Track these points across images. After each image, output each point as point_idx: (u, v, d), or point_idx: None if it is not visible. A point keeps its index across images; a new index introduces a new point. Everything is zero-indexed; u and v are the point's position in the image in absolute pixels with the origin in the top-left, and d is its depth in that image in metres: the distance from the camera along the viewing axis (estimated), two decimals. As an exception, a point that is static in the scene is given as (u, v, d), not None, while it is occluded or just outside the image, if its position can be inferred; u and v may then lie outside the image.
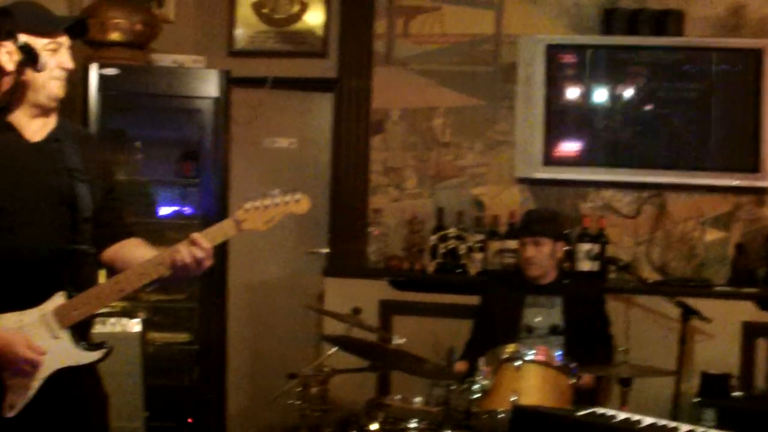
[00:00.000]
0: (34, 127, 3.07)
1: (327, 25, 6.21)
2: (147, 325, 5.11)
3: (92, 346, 3.03)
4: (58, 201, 3.05)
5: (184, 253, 2.95)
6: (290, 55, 6.26)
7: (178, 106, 5.81)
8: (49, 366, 2.93)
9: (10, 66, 2.97)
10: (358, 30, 6.15)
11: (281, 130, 6.35)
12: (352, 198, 6.11)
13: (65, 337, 2.97)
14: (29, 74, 2.97)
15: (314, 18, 6.24)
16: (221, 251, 3.01)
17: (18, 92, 2.99)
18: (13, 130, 3.02)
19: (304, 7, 6.23)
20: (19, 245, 2.95)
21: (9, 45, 2.97)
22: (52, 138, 3.10)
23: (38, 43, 2.97)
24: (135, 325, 4.90)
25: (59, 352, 2.95)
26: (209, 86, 5.68)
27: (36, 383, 2.91)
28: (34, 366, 2.89)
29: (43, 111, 3.08)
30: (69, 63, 3.05)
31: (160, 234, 5.53)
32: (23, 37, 2.96)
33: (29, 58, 2.92)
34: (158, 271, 3.00)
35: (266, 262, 6.30)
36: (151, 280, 3.01)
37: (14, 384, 2.89)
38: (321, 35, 6.22)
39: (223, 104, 5.70)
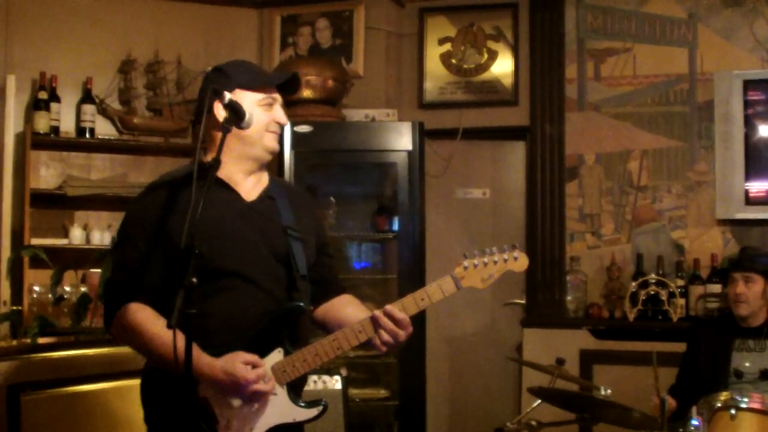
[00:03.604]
0: (249, 185, 3.43)
1: (516, 72, 7.00)
2: (346, 381, 5.70)
3: (309, 404, 3.32)
4: (275, 260, 3.39)
5: (383, 321, 3.26)
6: (480, 105, 7.05)
7: (372, 160, 6.58)
8: (267, 422, 3.26)
9: None
10: (548, 76, 6.90)
11: (474, 181, 7.13)
12: (548, 246, 6.78)
13: (282, 394, 3.27)
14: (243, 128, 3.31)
15: (503, 66, 7.05)
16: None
17: (224, 148, 3.24)
18: (228, 189, 3.36)
19: (492, 56, 7.06)
20: (240, 305, 3.28)
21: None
22: (267, 196, 3.45)
23: (254, 98, 3.35)
24: (336, 382, 5.55)
25: (277, 408, 3.27)
26: (402, 139, 6.40)
27: None
28: (264, 379, 3.19)
29: (258, 166, 3.43)
30: (284, 119, 3.42)
31: (358, 288, 6.27)
32: (237, 94, 3.30)
33: (236, 115, 3.25)
34: (374, 330, 3.29)
35: (464, 315, 6.99)
36: (368, 338, 3.29)
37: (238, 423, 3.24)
38: (510, 83, 7.01)
39: (417, 157, 6.40)
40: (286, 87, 3.48)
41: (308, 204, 3.69)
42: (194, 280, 2.92)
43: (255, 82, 3.39)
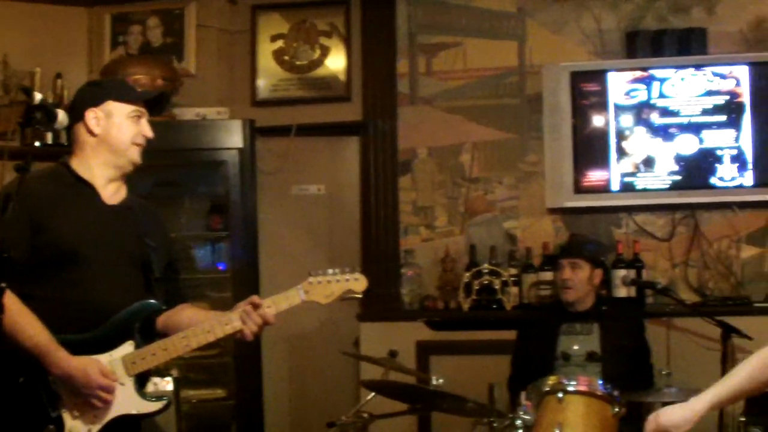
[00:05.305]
0: (110, 191, 3.79)
1: (349, 68, 7.05)
2: (181, 382, 5.79)
3: (153, 398, 3.64)
4: (131, 263, 3.76)
5: (253, 316, 3.64)
6: (314, 101, 7.09)
7: (204, 159, 6.60)
8: (111, 411, 3.54)
9: (97, 129, 3.74)
10: (381, 71, 6.98)
11: (309, 177, 7.14)
12: (383, 240, 6.85)
13: (129, 385, 3.57)
14: (112, 136, 3.73)
15: (336, 62, 7.10)
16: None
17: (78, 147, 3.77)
18: (92, 189, 3.73)
19: (324, 52, 7.11)
20: (97, 297, 3.60)
21: (97, 111, 3.74)
22: (126, 205, 3.83)
23: (124, 110, 3.77)
24: (168, 384, 5.52)
25: (123, 399, 3.55)
26: (233, 137, 6.48)
27: (98, 426, 3.52)
28: (109, 391, 3.50)
29: (120, 175, 3.82)
30: (149, 132, 3.84)
31: (194, 288, 6.23)
32: (110, 105, 3.74)
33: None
34: (224, 330, 3.65)
35: (300, 311, 6.87)
36: (216, 338, 3.67)
37: (80, 419, 3.53)
38: (343, 79, 7.07)
39: (248, 154, 6.50)
40: (154, 105, 3.96)
41: (161, 221, 4.08)
42: (3, 285, 3.17)
43: (126, 96, 3.83)
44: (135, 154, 3.82)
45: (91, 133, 3.76)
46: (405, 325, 6.64)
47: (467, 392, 4.82)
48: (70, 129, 3.83)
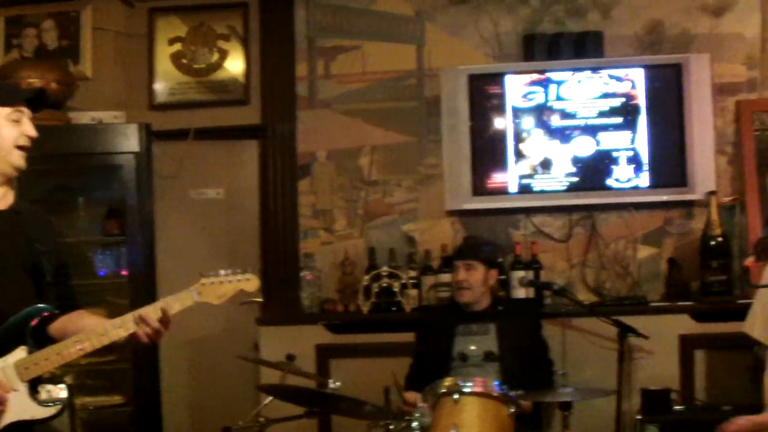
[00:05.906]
0: None
1: (247, 71, 7.02)
2: (78, 389, 5.74)
3: (46, 403, 3.63)
4: (21, 268, 3.70)
5: (147, 319, 3.61)
6: (213, 105, 7.05)
7: (99, 163, 6.52)
8: (5, 418, 3.50)
9: None
10: (280, 74, 6.96)
11: (208, 181, 7.11)
12: (282, 244, 6.84)
13: (23, 391, 3.54)
14: None
15: (235, 65, 7.06)
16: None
17: None
18: None
19: (223, 55, 7.07)
20: None
21: None
22: (14, 210, 3.76)
23: (2, 112, 3.66)
24: (61, 391, 5.54)
25: (17, 405, 3.53)
26: (129, 141, 6.41)
27: None
28: (1, 402, 3.47)
29: (4, 180, 3.73)
30: (32, 131, 3.72)
31: (91, 294, 6.16)
32: None
33: None
34: (118, 333, 3.62)
35: (199, 316, 6.75)
36: (111, 341, 3.63)
37: None
38: (242, 82, 7.02)
39: (144, 158, 6.44)
40: (35, 102, 3.80)
41: (50, 225, 4.01)
42: None
43: (2, 98, 3.70)
44: (18, 158, 3.72)
45: None
46: (305, 329, 6.64)
47: (367, 395, 4.90)
48: None
